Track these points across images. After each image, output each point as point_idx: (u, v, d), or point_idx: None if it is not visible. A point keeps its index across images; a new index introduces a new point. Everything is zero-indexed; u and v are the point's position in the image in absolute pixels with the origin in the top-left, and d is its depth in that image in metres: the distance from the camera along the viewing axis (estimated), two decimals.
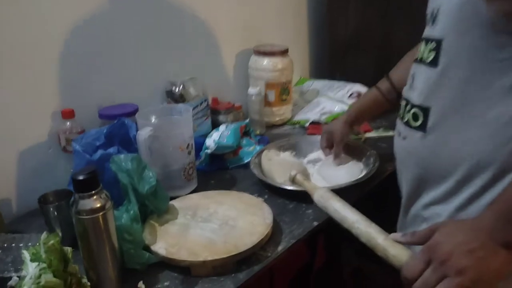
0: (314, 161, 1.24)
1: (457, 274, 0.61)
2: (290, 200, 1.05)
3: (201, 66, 1.46)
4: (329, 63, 1.82)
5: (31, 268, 0.73)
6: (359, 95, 1.54)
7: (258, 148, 1.30)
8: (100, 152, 0.96)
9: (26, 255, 0.76)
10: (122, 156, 0.92)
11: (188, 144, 1.07)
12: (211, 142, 1.23)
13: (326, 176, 1.15)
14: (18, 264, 0.81)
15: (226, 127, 1.30)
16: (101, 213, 0.76)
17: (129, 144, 1.04)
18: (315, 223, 0.97)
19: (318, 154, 1.24)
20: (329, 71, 1.81)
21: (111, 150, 0.97)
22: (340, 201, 0.84)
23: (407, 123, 0.81)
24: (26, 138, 1.08)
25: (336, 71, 1.77)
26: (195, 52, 1.44)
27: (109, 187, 0.87)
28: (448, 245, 0.63)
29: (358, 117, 1.18)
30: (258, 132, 1.46)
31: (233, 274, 0.83)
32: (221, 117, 1.43)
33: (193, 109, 1.32)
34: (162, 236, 0.90)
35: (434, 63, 0.74)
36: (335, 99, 1.56)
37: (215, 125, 1.36)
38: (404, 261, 0.68)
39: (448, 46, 0.71)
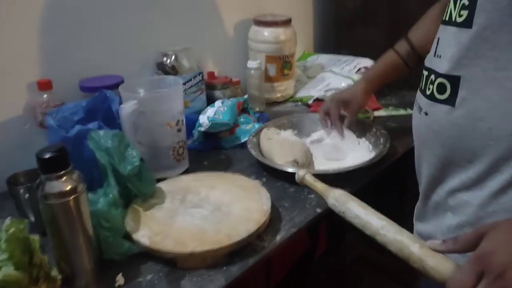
0: (318, 141, 1.13)
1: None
2: (290, 184, 0.94)
3: (196, 36, 1.34)
4: (335, 37, 1.69)
5: None
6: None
7: (256, 126, 1.19)
8: (77, 127, 0.85)
9: None
10: (101, 132, 0.81)
11: (178, 121, 0.96)
12: (205, 119, 1.12)
13: (331, 157, 1.04)
14: None
15: (222, 103, 1.19)
16: (72, 197, 0.66)
17: (112, 120, 0.93)
18: (318, 210, 0.87)
19: (322, 133, 1.13)
20: (335, 45, 1.68)
21: (91, 125, 0.86)
22: (360, 204, 0.70)
23: (430, 96, 0.70)
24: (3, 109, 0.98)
25: (342, 45, 1.65)
26: (190, 20, 1.31)
27: (89, 169, 0.78)
28: (504, 254, 0.51)
29: (376, 85, 1.06)
30: (257, 109, 1.35)
31: (225, 267, 0.73)
32: (217, 93, 1.32)
33: (186, 83, 1.21)
34: (146, 223, 0.80)
35: (467, 23, 0.62)
36: (341, 74, 1.44)
37: (211, 101, 1.25)
38: (447, 273, 0.56)
39: (486, 1, 0.59)
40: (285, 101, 1.46)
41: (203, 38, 1.37)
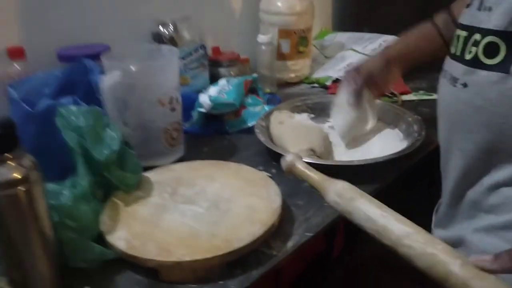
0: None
1: None
2: None
3: (199, 4, 1.18)
4: (357, 13, 1.51)
5: None
6: None
7: (266, 108, 1.03)
8: (46, 102, 0.69)
9: None
10: (73, 107, 0.66)
11: (172, 98, 0.80)
12: (206, 98, 0.96)
13: (354, 146, 0.88)
14: None
15: (228, 81, 1.03)
16: (22, 187, 0.51)
17: (94, 97, 0.77)
18: None
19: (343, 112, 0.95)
20: (356, 23, 1.50)
21: (64, 100, 0.70)
22: (373, 202, 0.53)
23: (473, 62, 0.54)
24: None
25: (364, 23, 1.47)
26: None
27: (62, 155, 0.63)
28: None
29: (402, 57, 0.89)
30: (267, 90, 1.18)
31: (221, 282, 0.57)
32: (222, 70, 1.16)
33: (186, 58, 1.05)
34: (127, 221, 0.64)
35: None
36: (364, 53, 1.27)
37: (215, 79, 1.09)
38: None
39: None
40: (300, 82, 1.29)
41: (207, 7, 1.21)
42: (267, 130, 0.92)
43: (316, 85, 1.26)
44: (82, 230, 0.58)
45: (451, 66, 0.61)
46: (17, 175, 0.50)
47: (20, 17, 0.87)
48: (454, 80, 0.59)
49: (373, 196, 0.54)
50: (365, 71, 0.89)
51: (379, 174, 0.78)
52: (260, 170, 0.79)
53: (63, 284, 0.57)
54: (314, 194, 0.74)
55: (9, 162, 0.50)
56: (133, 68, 0.78)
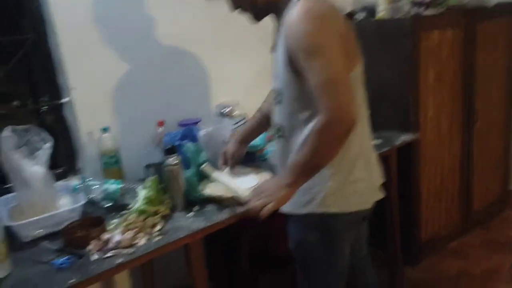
0: None
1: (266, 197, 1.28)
2: None
3: (245, 94, 2.21)
4: None
5: (142, 192, 1.50)
6: None
7: None
8: (177, 142, 1.72)
9: (139, 188, 1.53)
10: (189, 144, 1.68)
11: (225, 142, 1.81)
12: None
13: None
14: (135, 196, 1.58)
15: None
16: (176, 167, 1.51)
17: (195, 140, 1.80)
18: None
19: None
20: None
21: (184, 142, 1.73)
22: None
23: None
24: (139, 135, 1.90)
25: None
26: (243, 86, 2.20)
27: (186, 160, 1.64)
28: (264, 185, 1.33)
29: (246, 138, 1.70)
30: None
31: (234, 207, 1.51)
32: None
33: (236, 123, 2.06)
34: (209, 187, 1.62)
35: None
36: None
37: None
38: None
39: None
40: None
41: (248, 96, 2.24)
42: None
43: None
44: (191, 186, 1.57)
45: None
46: (175, 162, 1.51)
47: (163, 108, 1.94)
48: None
49: None
50: (227, 151, 1.70)
51: None
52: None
53: (187, 205, 1.55)
54: None
55: (173, 157, 1.51)
56: (210, 128, 1.80)
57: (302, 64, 1.18)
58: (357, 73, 1.29)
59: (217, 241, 1.65)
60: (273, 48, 1.37)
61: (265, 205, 1.28)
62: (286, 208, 1.37)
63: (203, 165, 1.64)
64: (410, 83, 2.15)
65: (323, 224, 1.35)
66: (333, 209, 1.32)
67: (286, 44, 1.22)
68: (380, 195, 1.43)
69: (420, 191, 2.33)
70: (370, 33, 2.22)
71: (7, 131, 1.42)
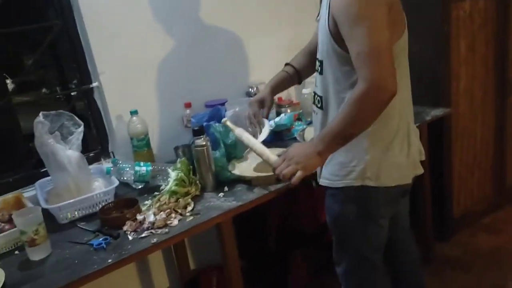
0: None
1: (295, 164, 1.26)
2: None
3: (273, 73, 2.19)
4: None
5: (173, 173, 1.52)
6: None
7: (306, 127, 1.98)
8: (205, 123, 1.73)
9: (169, 170, 1.55)
10: (216, 124, 1.68)
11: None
12: (271, 123, 1.94)
13: None
14: (166, 177, 1.60)
15: (285, 114, 2.00)
16: (205, 148, 1.52)
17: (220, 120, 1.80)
18: None
19: None
20: None
21: (212, 123, 1.73)
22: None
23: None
24: (167, 117, 1.91)
25: None
26: (270, 66, 2.18)
27: (214, 140, 1.64)
28: (291, 150, 1.31)
29: (275, 89, 1.65)
30: (308, 119, 2.14)
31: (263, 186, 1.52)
32: (283, 109, 2.14)
33: None
34: (238, 167, 1.63)
35: None
36: None
37: (279, 114, 2.08)
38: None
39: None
40: None
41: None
42: (302, 138, 1.87)
43: None
44: (222, 167, 1.58)
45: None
46: (204, 143, 1.52)
47: (190, 90, 1.95)
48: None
49: None
50: (256, 100, 1.65)
51: None
52: None
53: (215, 186, 1.56)
54: None
55: (201, 138, 1.52)
56: (237, 108, 1.80)
57: (345, 33, 1.17)
58: (402, 42, 1.27)
59: (244, 220, 1.66)
60: (318, 17, 1.36)
61: (294, 173, 1.27)
62: (323, 181, 1.37)
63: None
64: (441, 55, 2.09)
65: (361, 197, 1.33)
66: (371, 182, 1.30)
67: (329, 12, 1.21)
68: (420, 170, 1.40)
69: (452, 166, 2.28)
70: None
71: (40, 117, 1.46)
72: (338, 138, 1.23)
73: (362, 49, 1.14)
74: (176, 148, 1.73)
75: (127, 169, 1.64)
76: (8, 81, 1.69)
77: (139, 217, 1.39)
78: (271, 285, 1.94)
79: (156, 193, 1.56)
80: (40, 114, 1.47)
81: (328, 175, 1.34)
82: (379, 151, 1.29)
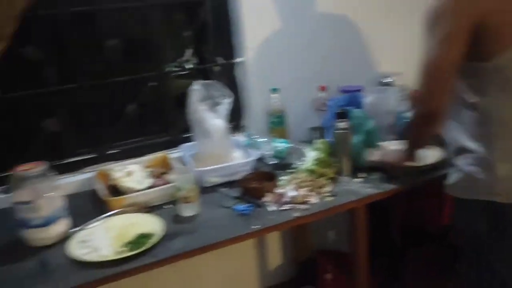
0: None
1: None
2: None
3: (406, 64, 2.12)
4: None
5: (312, 153, 1.54)
6: None
7: None
8: (341, 108, 1.73)
9: (306, 150, 1.57)
10: (354, 110, 1.67)
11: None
12: None
13: None
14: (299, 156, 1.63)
15: None
16: (346, 131, 1.52)
17: (359, 106, 1.78)
18: None
19: None
20: None
21: (350, 108, 1.72)
22: None
23: None
24: (301, 99, 1.94)
25: None
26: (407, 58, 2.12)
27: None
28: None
29: None
30: None
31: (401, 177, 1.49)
32: None
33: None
34: (373, 155, 1.61)
35: None
36: None
37: None
38: None
39: None
40: None
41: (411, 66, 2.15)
42: None
43: None
44: (359, 153, 1.57)
45: None
46: (346, 127, 1.52)
47: (325, 75, 1.95)
48: None
49: None
50: None
51: None
52: None
53: (351, 171, 1.56)
54: None
55: (344, 122, 1.52)
56: (374, 97, 1.77)
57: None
58: (506, 58, 1.15)
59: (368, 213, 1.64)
60: None
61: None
62: (453, 192, 1.31)
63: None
64: None
65: (491, 212, 1.24)
66: (501, 199, 1.20)
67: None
68: None
69: None
70: None
71: (197, 85, 1.55)
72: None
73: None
74: (312, 129, 1.75)
75: (264, 144, 1.69)
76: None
77: (279, 190, 1.43)
78: (389, 278, 1.91)
79: (289, 170, 1.59)
80: (196, 82, 1.57)
81: (457, 187, 1.30)
82: (508, 165, 1.20)
